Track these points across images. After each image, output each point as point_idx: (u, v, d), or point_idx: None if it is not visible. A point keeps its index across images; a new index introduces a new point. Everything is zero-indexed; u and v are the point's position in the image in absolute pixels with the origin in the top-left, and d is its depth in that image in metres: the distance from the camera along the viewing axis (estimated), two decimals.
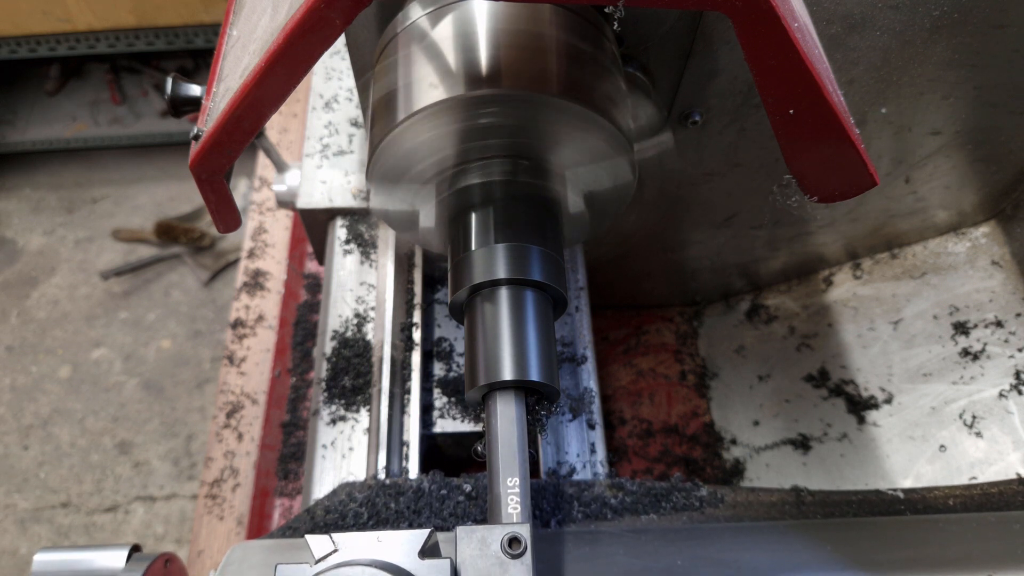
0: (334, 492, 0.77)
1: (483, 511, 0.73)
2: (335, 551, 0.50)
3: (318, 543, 0.50)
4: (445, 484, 0.75)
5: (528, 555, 0.52)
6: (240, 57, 0.56)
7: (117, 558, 0.68)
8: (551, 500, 0.74)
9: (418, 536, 0.51)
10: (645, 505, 0.73)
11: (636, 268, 1.29)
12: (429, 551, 0.51)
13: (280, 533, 0.74)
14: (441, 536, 0.55)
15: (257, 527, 1.11)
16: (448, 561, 0.50)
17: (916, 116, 0.97)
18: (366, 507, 0.73)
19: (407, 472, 0.84)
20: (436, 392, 0.92)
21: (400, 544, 0.51)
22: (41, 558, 0.70)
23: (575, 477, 0.84)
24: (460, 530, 0.52)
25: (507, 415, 0.61)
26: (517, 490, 0.58)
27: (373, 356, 0.91)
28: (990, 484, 0.77)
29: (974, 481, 0.83)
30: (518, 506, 0.57)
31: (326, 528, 0.72)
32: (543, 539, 0.67)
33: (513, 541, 0.52)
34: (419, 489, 0.75)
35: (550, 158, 0.68)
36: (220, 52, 0.63)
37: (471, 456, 0.95)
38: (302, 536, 0.71)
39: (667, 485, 0.75)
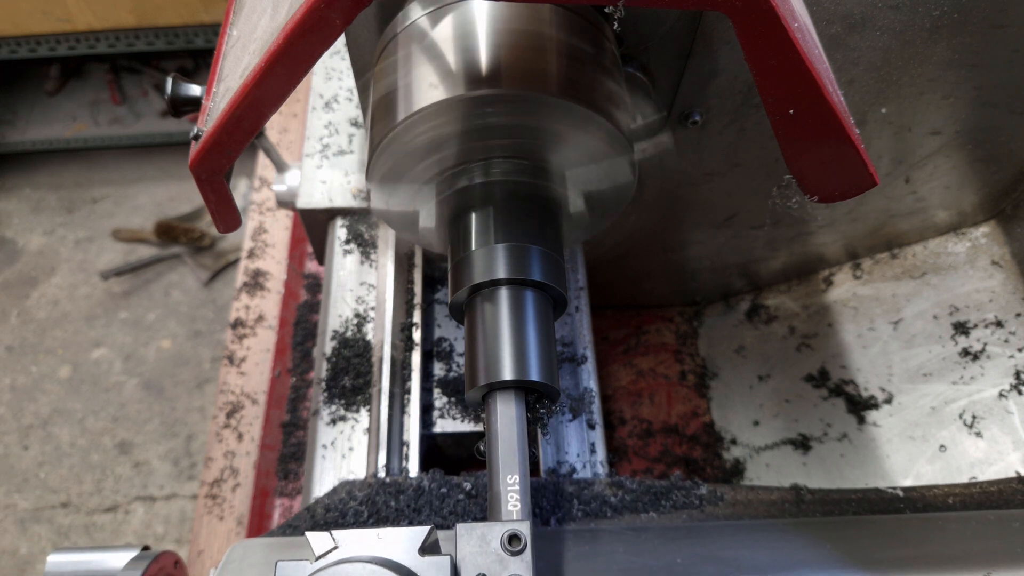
0: (334, 490, 0.77)
1: (483, 509, 0.73)
2: (335, 548, 0.50)
3: (318, 540, 0.50)
4: (445, 482, 0.75)
5: (528, 552, 0.52)
6: (240, 57, 0.56)
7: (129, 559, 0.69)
8: (551, 498, 0.74)
9: (418, 533, 0.51)
10: (645, 503, 0.73)
11: (636, 268, 1.29)
12: (429, 548, 0.51)
13: (280, 531, 0.74)
14: (441, 534, 0.55)
15: (257, 527, 1.11)
16: (448, 558, 0.50)
17: (916, 116, 0.97)
18: (366, 505, 0.73)
19: (407, 472, 0.84)
20: (436, 392, 0.92)
21: (400, 541, 0.51)
22: (54, 559, 0.71)
23: (575, 477, 0.84)
24: (460, 527, 0.53)
25: (507, 414, 0.61)
26: (517, 487, 0.58)
27: (373, 356, 0.91)
28: (990, 483, 0.77)
29: (974, 480, 0.83)
30: (518, 503, 0.57)
31: (326, 526, 0.72)
32: (543, 537, 0.67)
33: (513, 538, 0.52)
34: (419, 487, 0.75)
35: (550, 158, 0.68)
36: (220, 52, 0.63)
37: (471, 456, 0.95)
38: (302, 534, 0.71)
39: (667, 483, 0.76)
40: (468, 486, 0.75)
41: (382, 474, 0.82)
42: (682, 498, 0.74)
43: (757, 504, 0.74)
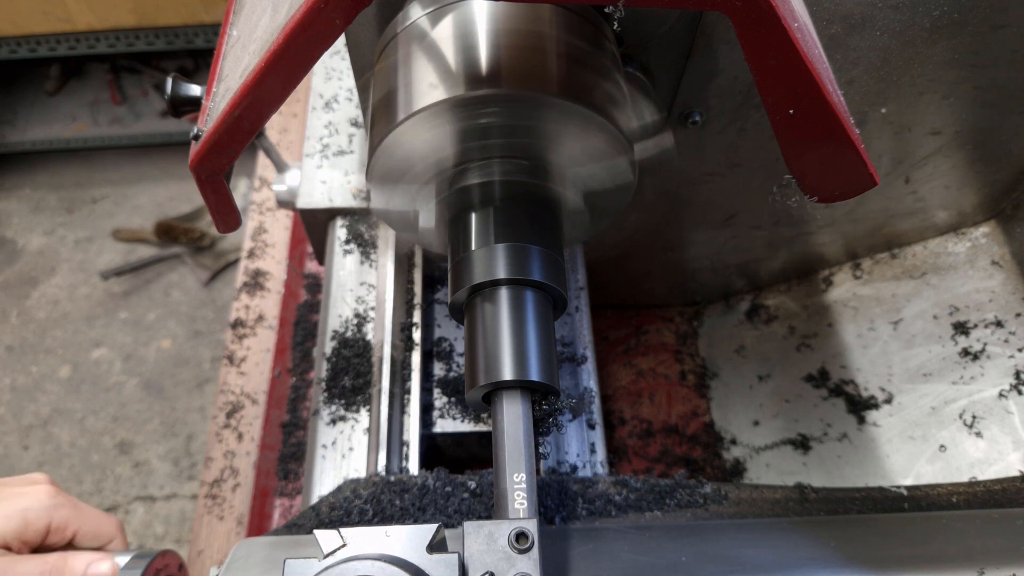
0: (339, 489, 0.77)
1: (487, 508, 0.73)
2: (343, 546, 0.50)
3: (326, 538, 0.50)
4: (450, 481, 0.76)
5: (535, 550, 0.52)
6: (240, 57, 0.56)
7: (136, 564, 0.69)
8: (555, 497, 0.74)
9: (426, 531, 0.51)
10: (649, 502, 0.73)
11: (636, 268, 1.30)
12: (437, 546, 0.51)
13: (285, 530, 0.74)
14: (447, 532, 0.56)
15: (257, 527, 1.11)
16: (456, 555, 0.51)
17: (916, 116, 0.97)
18: (371, 504, 0.73)
19: (407, 471, 0.84)
20: (436, 392, 0.92)
21: (408, 539, 0.51)
22: None
23: (579, 476, 0.84)
24: (468, 525, 0.53)
25: (513, 412, 0.61)
26: (524, 486, 0.58)
27: (373, 356, 0.91)
28: (993, 481, 0.77)
29: (975, 479, 0.83)
30: (524, 501, 0.57)
31: (331, 524, 0.72)
32: (547, 535, 0.67)
33: (520, 536, 0.52)
34: (424, 486, 0.75)
35: (550, 158, 0.68)
36: (220, 52, 0.63)
37: (471, 456, 0.95)
38: (307, 532, 0.71)
39: (671, 482, 0.76)
40: (473, 484, 0.75)
41: (382, 474, 0.82)
42: (686, 497, 0.74)
43: (761, 503, 0.74)
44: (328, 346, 0.93)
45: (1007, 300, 1.15)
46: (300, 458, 1.15)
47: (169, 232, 3.14)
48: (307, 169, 1.06)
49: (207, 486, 1.16)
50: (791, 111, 0.49)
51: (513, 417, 0.61)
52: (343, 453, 0.85)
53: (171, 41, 2.94)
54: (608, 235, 1.11)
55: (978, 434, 1.06)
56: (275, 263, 1.39)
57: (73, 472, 2.63)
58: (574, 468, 0.85)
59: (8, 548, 0.67)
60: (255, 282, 1.37)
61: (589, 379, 0.92)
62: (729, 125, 0.93)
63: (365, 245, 1.01)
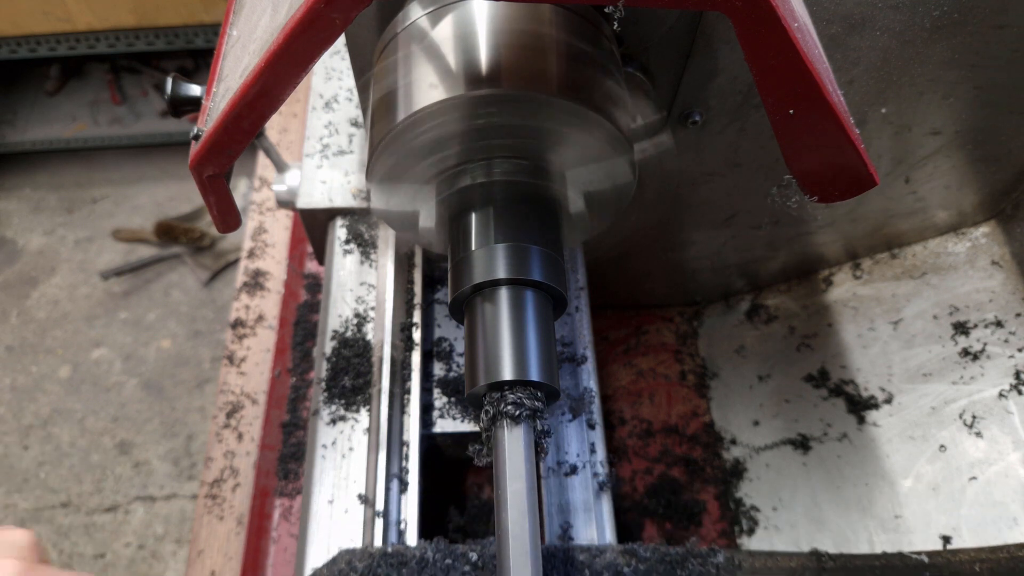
0: (333, 561, 0.74)
1: None
2: None
3: None
4: (450, 553, 0.72)
5: None
6: (240, 57, 0.56)
7: None
8: (560, 569, 0.71)
9: None
10: (660, 573, 0.70)
11: (636, 268, 1.30)
12: None
13: None
14: None
15: (257, 527, 1.11)
16: None
17: (916, 116, 0.97)
18: None
19: (407, 472, 0.84)
20: (436, 392, 0.92)
21: None
22: None
23: (575, 477, 0.84)
24: None
25: (518, 508, 0.57)
26: None
27: (373, 356, 0.91)
28: (1018, 546, 0.74)
29: (1001, 543, 0.78)
30: None
31: None
32: None
33: None
34: (423, 559, 0.71)
35: (550, 158, 0.68)
36: (220, 52, 0.63)
37: (471, 456, 0.95)
38: None
39: (682, 551, 0.73)
40: (474, 557, 0.71)
41: (382, 469, 0.82)
42: (698, 567, 0.71)
43: (776, 572, 0.71)
44: (328, 346, 0.93)
45: (1007, 300, 1.15)
46: (300, 458, 1.15)
47: (169, 232, 3.14)
48: (307, 169, 1.06)
49: (207, 486, 1.16)
50: (791, 111, 0.49)
51: (518, 514, 0.56)
52: (343, 453, 0.85)
53: (171, 41, 2.94)
54: (608, 235, 1.11)
55: (978, 434, 1.06)
56: (275, 263, 1.39)
57: (73, 472, 2.63)
58: (574, 468, 0.85)
59: None
60: (255, 282, 1.37)
61: (589, 379, 0.92)
62: (729, 125, 0.93)
63: (365, 245, 1.01)
